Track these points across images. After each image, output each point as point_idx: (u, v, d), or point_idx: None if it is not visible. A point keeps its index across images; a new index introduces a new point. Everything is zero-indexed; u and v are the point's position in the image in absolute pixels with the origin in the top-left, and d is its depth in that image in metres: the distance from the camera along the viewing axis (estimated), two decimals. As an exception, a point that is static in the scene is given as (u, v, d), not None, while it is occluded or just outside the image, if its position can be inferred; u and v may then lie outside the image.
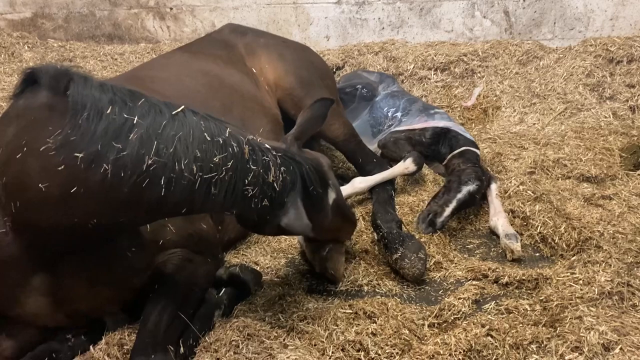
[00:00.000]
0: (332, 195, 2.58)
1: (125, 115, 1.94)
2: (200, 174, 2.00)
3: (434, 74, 5.22)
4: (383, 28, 5.75)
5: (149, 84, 3.06)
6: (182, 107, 2.08)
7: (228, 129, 2.14)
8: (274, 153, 2.24)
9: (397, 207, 3.57)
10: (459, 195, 3.43)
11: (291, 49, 4.02)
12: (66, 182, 1.90)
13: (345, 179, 3.86)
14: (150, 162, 1.92)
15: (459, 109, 4.91)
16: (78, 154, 1.87)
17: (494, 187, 3.63)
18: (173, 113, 2.04)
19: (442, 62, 5.23)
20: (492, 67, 5.22)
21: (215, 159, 2.03)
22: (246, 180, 2.10)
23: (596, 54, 5.08)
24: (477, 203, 3.58)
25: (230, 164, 2.06)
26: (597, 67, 4.98)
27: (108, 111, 1.93)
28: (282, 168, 2.23)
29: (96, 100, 1.94)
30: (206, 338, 2.52)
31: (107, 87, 2.02)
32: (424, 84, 5.20)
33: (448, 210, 3.40)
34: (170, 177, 1.96)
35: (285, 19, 5.88)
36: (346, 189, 3.58)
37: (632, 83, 4.85)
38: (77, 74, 2.03)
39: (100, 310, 2.50)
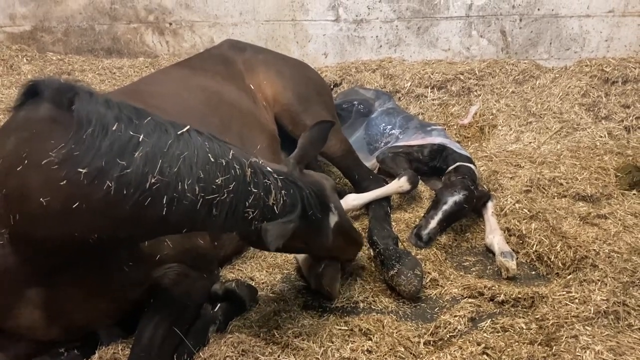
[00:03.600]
0: (333, 219, 2.59)
1: (131, 133, 1.94)
2: (202, 194, 2.01)
3: (430, 92, 5.27)
4: (381, 46, 5.80)
5: (148, 99, 3.07)
6: (188, 127, 2.09)
7: (232, 151, 2.15)
8: (275, 176, 2.25)
9: (393, 223, 3.58)
10: (445, 207, 3.45)
11: (289, 65, 4.05)
12: (68, 197, 1.89)
13: (341, 195, 3.85)
14: (153, 180, 1.92)
15: (455, 127, 4.94)
16: (81, 170, 1.86)
17: (490, 205, 3.64)
18: (178, 133, 2.04)
19: (439, 80, 5.28)
20: (489, 86, 5.27)
21: (217, 180, 2.04)
22: (247, 203, 2.11)
23: (592, 74, 5.13)
24: (466, 213, 3.58)
25: (232, 186, 2.07)
26: (593, 87, 5.04)
27: (114, 128, 1.93)
28: (283, 192, 2.24)
29: (101, 116, 1.93)
30: (200, 353, 2.51)
31: (112, 103, 2.02)
32: (420, 102, 5.23)
33: (433, 222, 3.42)
34: (173, 196, 1.96)
35: (284, 35, 5.93)
36: (338, 206, 3.59)
37: (627, 103, 4.90)
38: (82, 88, 2.03)
39: (95, 323, 2.48)
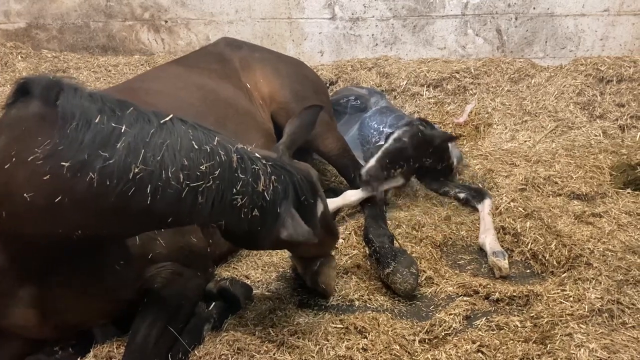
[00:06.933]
0: (320, 207, 2.57)
1: (113, 124, 1.94)
2: (187, 182, 1.99)
3: (426, 91, 5.26)
4: (376, 44, 5.80)
5: (143, 97, 3.06)
6: (171, 115, 2.08)
7: (216, 138, 2.13)
8: (264, 162, 2.23)
9: (388, 222, 3.58)
10: (386, 145, 3.42)
11: (286, 64, 4.04)
12: (51, 191, 1.89)
13: (337, 193, 3.86)
14: (137, 170, 1.91)
15: (450, 126, 4.94)
16: (64, 163, 1.86)
17: (487, 202, 3.65)
18: (161, 122, 2.03)
19: (434, 79, 5.28)
20: (484, 85, 5.28)
21: (202, 167, 2.02)
22: (234, 189, 2.09)
23: (587, 73, 5.14)
24: (410, 150, 3.53)
25: (217, 172, 2.05)
26: (588, 86, 5.04)
27: (96, 120, 1.92)
28: (273, 177, 2.21)
29: (85, 110, 1.93)
30: (195, 352, 2.51)
31: (96, 96, 2.01)
32: (416, 100, 5.23)
33: (372, 161, 3.40)
34: (157, 185, 1.95)
35: (280, 33, 5.92)
36: (337, 202, 3.59)
37: (622, 102, 4.91)
38: (67, 84, 2.02)
39: (88, 322, 2.48)
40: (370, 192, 3.32)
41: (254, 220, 2.18)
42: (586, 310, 2.67)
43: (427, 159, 3.76)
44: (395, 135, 3.39)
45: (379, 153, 3.37)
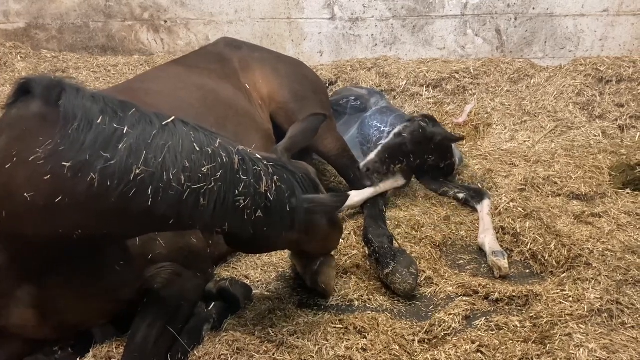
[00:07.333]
0: None
1: (115, 125, 1.94)
2: (189, 184, 1.99)
3: (425, 91, 5.27)
4: (376, 44, 5.81)
5: (143, 97, 3.06)
6: (173, 117, 2.08)
7: (218, 140, 2.13)
8: (265, 163, 2.23)
9: (388, 222, 3.58)
10: (386, 140, 3.42)
11: (285, 64, 4.04)
12: (51, 191, 1.88)
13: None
14: (138, 171, 1.91)
15: (450, 126, 4.95)
16: (65, 163, 1.86)
17: (486, 203, 3.65)
18: (163, 123, 2.03)
19: (434, 79, 5.29)
20: (484, 85, 5.28)
21: (203, 169, 2.02)
22: (237, 191, 2.09)
23: (586, 73, 5.15)
24: (410, 146, 3.58)
25: (219, 174, 2.05)
26: (587, 86, 5.06)
27: (98, 121, 1.92)
28: (275, 177, 2.22)
29: (87, 111, 1.93)
30: (195, 352, 2.51)
31: (98, 97, 2.02)
32: (415, 101, 5.24)
33: (372, 155, 3.41)
34: (158, 186, 1.94)
35: (279, 33, 5.92)
36: (342, 203, 3.59)
37: (621, 102, 4.92)
38: (69, 84, 2.02)
39: (87, 323, 2.47)
40: (371, 185, 3.34)
41: (258, 222, 2.17)
42: (585, 310, 2.67)
43: (429, 156, 3.77)
44: (396, 130, 3.40)
45: (379, 147, 3.39)
